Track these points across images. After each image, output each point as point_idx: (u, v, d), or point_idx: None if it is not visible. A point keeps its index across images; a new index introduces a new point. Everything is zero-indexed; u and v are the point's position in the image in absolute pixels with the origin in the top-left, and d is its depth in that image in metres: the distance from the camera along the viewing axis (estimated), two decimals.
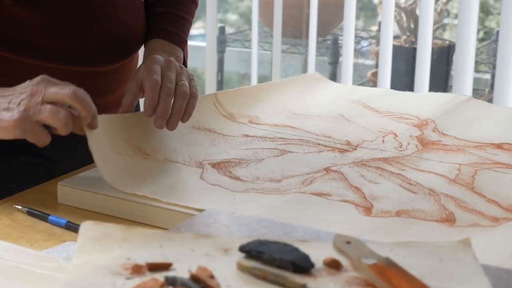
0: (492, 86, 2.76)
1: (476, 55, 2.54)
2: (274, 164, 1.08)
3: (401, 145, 1.16)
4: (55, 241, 0.89)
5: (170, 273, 0.67)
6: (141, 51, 1.27)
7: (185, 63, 1.24)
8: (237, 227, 0.79)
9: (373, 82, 3.02)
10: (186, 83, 1.08)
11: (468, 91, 2.46)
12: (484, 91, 3.07)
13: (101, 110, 1.20)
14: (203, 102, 1.23)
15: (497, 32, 2.56)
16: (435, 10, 2.79)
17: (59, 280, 0.73)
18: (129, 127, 1.08)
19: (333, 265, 0.69)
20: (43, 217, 0.94)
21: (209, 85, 2.99)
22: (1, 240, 0.84)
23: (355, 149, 1.15)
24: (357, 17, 3.10)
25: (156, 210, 0.94)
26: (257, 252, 0.69)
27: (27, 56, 1.09)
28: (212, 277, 0.66)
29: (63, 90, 0.92)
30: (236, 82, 3.79)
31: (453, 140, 1.18)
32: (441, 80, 2.87)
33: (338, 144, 1.16)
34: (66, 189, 1.00)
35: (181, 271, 0.67)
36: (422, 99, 1.38)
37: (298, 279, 0.66)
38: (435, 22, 2.71)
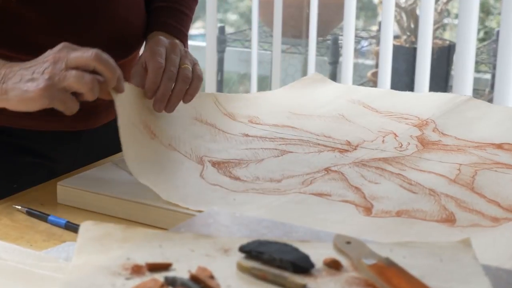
0: (492, 86, 2.75)
1: (477, 55, 2.54)
2: (274, 164, 1.08)
3: (401, 145, 1.16)
4: (54, 241, 0.89)
5: (170, 273, 0.67)
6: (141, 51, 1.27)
7: None
8: (237, 228, 0.79)
9: (373, 82, 3.02)
10: (190, 67, 1.08)
11: (469, 91, 2.46)
12: (485, 91, 3.07)
13: (103, 109, 1.20)
14: (205, 98, 1.23)
15: (498, 32, 2.56)
16: (435, 10, 2.79)
17: (59, 280, 0.73)
18: (143, 103, 1.07)
19: (333, 265, 0.69)
20: (43, 217, 0.94)
21: (209, 85, 2.98)
22: (1, 240, 0.84)
23: (355, 149, 1.15)
24: (357, 17, 3.10)
25: (156, 210, 0.94)
26: (257, 252, 0.69)
27: (29, 54, 1.09)
28: (212, 277, 0.66)
29: (85, 54, 0.92)
30: (236, 82, 3.78)
31: (453, 140, 1.18)
32: (441, 80, 2.87)
33: (338, 144, 1.16)
34: (66, 189, 1.00)
35: (181, 271, 0.67)
36: (422, 99, 1.38)
37: (298, 279, 0.66)
38: (435, 22, 2.71)
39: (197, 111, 1.17)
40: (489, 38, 3.41)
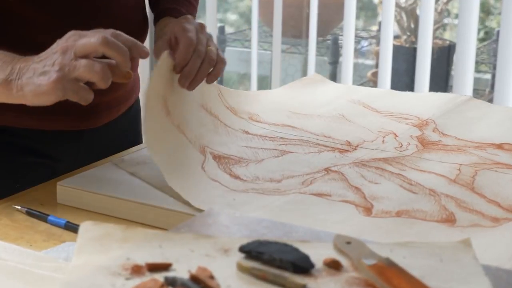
0: (492, 86, 2.75)
1: (477, 55, 2.53)
2: (274, 165, 1.08)
3: (401, 145, 1.16)
4: (54, 242, 0.88)
5: (169, 274, 0.67)
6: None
7: None
8: (237, 228, 0.79)
9: (373, 82, 3.02)
10: (214, 49, 1.09)
11: (469, 91, 2.46)
12: (485, 91, 3.07)
13: (104, 108, 1.20)
14: (209, 87, 1.23)
15: (498, 32, 2.56)
16: (436, 10, 2.79)
17: (59, 280, 0.73)
18: (169, 76, 1.07)
19: (333, 266, 0.69)
20: (43, 217, 0.94)
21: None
22: (1, 241, 0.84)
23: (355, 149, 1.15)
24: (357, 17, 3.10)
25: (156, 210, 0.94)
26: (257, 253, 0.69)
27: (32, 53, 1.10)
28: (212, 277, 0.65)
29: (92, 40, 0.90)
30: (236, 82, 3.78)
31: (453, 140, 1.18)
32: (441, 80, 2.87)
33: (338, 144, 1.16)
34: (66, 189, 1.00)
35: (181, 271, 0.67)
36: (422, 99, 1.38)
37: (298, 279, 0.66)
38: (435, 22, 2.71)
39: (204, 99, 1.17)
40: (489, 38, 3.41)
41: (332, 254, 0.71)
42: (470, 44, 2.43)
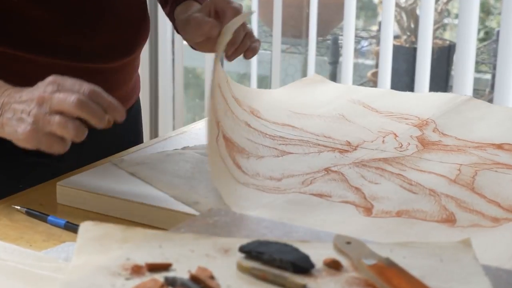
0: (492, 86, 2.75)
1: (477, 55, 2.53)
2: (274, 163, 1.08)
3: (401, 145, 1.16)
4: (54, 242, 0.88)
5: (169, 274, 0.67)
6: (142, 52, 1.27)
7: None
8: (237, 228, 0.79)
9: (373, 82, 3.02)
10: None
11: (469, 91, 2.46)
12: (485, 91, 3.07)
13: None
14: (221, 71, 1.23)
15: (498, 32, 2.56)
16: (436, 10, 2.79)
17: (59, 280, 0.73)
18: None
19: (333, 266, 0.69)
20: (42, 218, 0.94)
21: (209, 85, 2.98)
22: (0, 241, 0.84)
23: (355, 149, 1.15)
24: (357, 17, 3.10)
25: (156, 210, 0.94)
26: (257, 253, 0.69)
27: (35, 53, 1.10)
28: (212, 277, 0.65)
29: (67, 99, 0.88)
30: (236, 82, 3.78)
31: (453, 141, 1.18)
32: (441, 80, 2.86)
33: (338, 145, 1.16)
34: (65, 189, 1.00)
35: (181, 271, 0.67)
36: (422, 99, 1.38)
37: (298, 279, 0.66)
38: (435, 22, 2.71)
39: (219, 79, 1.17)
40: (489, 38, 3.41)
41: (332, 254, 0.71)
42: (470, 44, 2.43)
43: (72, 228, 0.91)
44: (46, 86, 0.90)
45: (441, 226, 0.89)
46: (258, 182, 1.00)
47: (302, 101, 1.36)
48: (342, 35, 2.82)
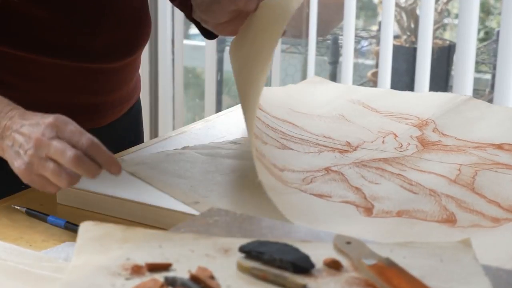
0: (492, 86, 2.75)
1: (477, 55, 2.53)
2: (277, 154, 1.09)
3: (401, 145, 1.16)
4: (54, 242, 0.88)
5: (169, 274, 0.67)
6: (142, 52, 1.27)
7: None
8: (237, 227, 0.79)
9: (373, 82, 3.02)
10: None
11: (469, 91, 2.46)
12: (485, 91, 3.07)
13: (108, 108, 1.21)
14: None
15: (498, 32, 2.56)
16: (436, 10, 2.79)
17: (59, 280, 0.73)
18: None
19: (334, 266, 0.69)
20: (42, 218, 0.94)
21: (209, 85, 2.98)
22: (0, 241, 0.84)
23: (355, 149, 1.15)
24: (357, 17, 3.10)
25: (156, 210, 0.94)
26: (257, 253, 0.69)
27: (37, 53, 1.10)
28: (212, 277, 0.65)
29: (65, 153, 0.87)
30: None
31: (453, 141, 1.18)
32: (441, 80, 2.86)
33: (338, 145, 1.16)
34: (65, 189, 1.00)
35: (181, 271, 0.67)
36: (422, 99, 1.38)
37: (298, 279, 0.66)
38: (435, 22, 2.71)
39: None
40: (489, 38, 3.41)
41: (332, 254, 0.71)
42: (470, 44, 2.43)
43: (72, 228, 0.91)
44: (46, 127, 0.89)
45: (441, 226, 0.89)
46: (266, 163, 1.00)
47: (302, 101, 1.36)
48: (342, 35, 2.82)
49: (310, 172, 1.04)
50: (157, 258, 0.69)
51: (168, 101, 2.99)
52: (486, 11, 3.60)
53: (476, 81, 2.83)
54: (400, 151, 1.14)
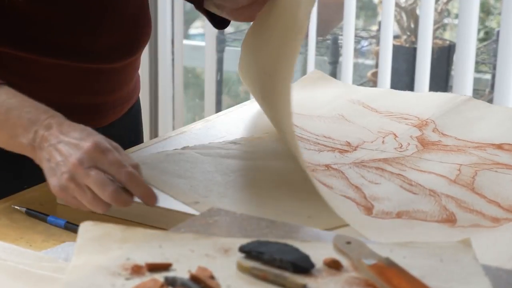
0: (492, 86, 2.75)
1: (477, 55, 2.53)
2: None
3: (401, 145, 1.16)
4: (54, 242, 0.88)
5: (169, 274, 0.67)
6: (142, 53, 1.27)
7: None
8: (237, 227, 0.79)
9: (373, 82, 3.02)
10: None
11: (469, 91, 2.46)
12: (485, 91, 3.07)
13: (110, 107, 1.21)
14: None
15: (498, 32, 2.56)
16: (436, 10, 2.79)
17: (58, 280, 0.73)
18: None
19: (334, 266, 0.69)
20: (42, 218, 0.94)
21: (209, 85, 2.98)
22: (0, 241, 0.84)
23: (355, 149, 1.15)
24: (357, 17, 3.10)
25: (156, 210, 0.94)
26: (257, 252, 0.69)
27: (39, 54, 1.10)
28: (212, 277, 0.65)
29: (104, 188, 0.85)
30: (236, 82, 3.78)
31: (453, 141, 1.18)
32: (441, 80, 2.86)
33: (338, 145, 1.16)
34: None
35: (181, 271, 0.67)
36: (422, 99, 1.38)
37: (299, 279, 0.66)
38: (435, 22, 2.71)
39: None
40: (489, 38, 3.41)
41: (332, 254, 0.71)
42: (470, 44, 2.43)
43: (72, 228, 0.91)
44: (84, 154, 0.87)
45: (441, 226, 0.89)
46: None
47: (301, 102, 1.35)
48: (342, 35, 2.82)
49: (311, 164, 1.05)
50: (157, 258, 0.69)
51: (168, 101, 2.99)
52: (486, 11, 3.60)
53: (476, 81, 2.83)
54: (400, 151, 1.14)
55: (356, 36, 2.91)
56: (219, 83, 3.19)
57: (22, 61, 1.09)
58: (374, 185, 1.01)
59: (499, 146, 1.15)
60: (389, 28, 2.61)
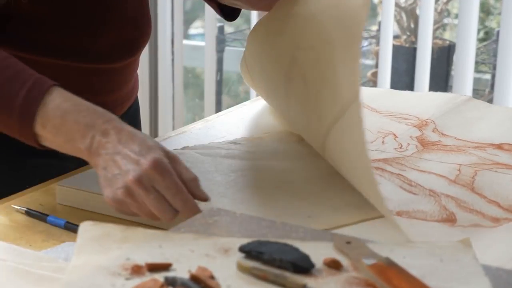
0: (492, 86, 2.75)
1: (477, 55, 2.53)
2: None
3: (401, 145, 1.16)
4: (54, 242, 0.88)
5: (169, 274, 0.67)
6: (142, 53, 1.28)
7: None
8: (237, 227, 0.79)
9: (373, 82, 3.02)
10: None
11: (468, 91, 2.46)
12: (485, 91, 3.07)
13: (110, 107, 1.20)
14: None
15: (498, 32, 2.56)
16: (435, 10, 2.79)
17: (58, 280, 0.73)
18: None
19: (333, 265, 0.69)
20: (42, 218, 0.94)
21: (208, 85, 2.98)
22: (0, 241, 0.84)
23: None
24: None
25: None
26: (257, 252, 0.69)
27: (38, 54, 1.10)
28: (212, 277, 0.65)
29: (162, 213, 0.85)
30: (236, 82, 3.78)
31: (453, 141, 1.18)
32: (441, 80, 2.86)
33: None
34: (65, 189, 1.00)
35: (181, 271, 0.67)
36: (422, 99, 1.38)
37: (299, 279, 0.66)
38: (435, 22, 2.71)
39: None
40: (489, 38, 3.41)
41: (332, 254, 0.71)
42: (470, 44, 2.43)
43: (72, 228, 0.91)
44: (143, 173, 0.85)
45: (441, 226, 0.89)
46: None
47: None
48: None
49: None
50: (157, 258, 0.69)
51: (167, 101, 2.99)
52: (486, 11, 3.60)
53: (476, 81, 2.83)
54: (399, 151, 1.14)
55: None
56: (219, 83, 3.19)
57: (22, 61, 1.09)
58: None
59: (499, 146, 1.15)
60: (389, 28, 2.61)
